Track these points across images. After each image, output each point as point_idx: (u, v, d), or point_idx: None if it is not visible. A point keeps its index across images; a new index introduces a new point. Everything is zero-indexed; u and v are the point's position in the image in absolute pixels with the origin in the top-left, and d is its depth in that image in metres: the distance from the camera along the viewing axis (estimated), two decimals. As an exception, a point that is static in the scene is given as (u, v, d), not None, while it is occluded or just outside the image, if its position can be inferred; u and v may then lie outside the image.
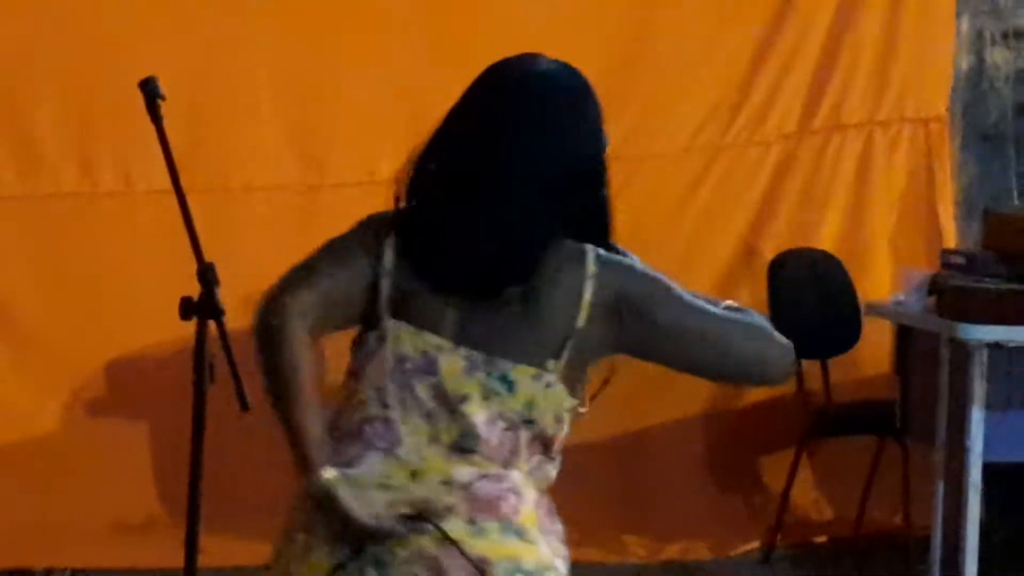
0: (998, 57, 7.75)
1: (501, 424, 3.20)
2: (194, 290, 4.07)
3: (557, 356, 3.20)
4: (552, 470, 3.30)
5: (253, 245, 6.48)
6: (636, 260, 3.32)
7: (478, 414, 3.19)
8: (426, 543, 3.16)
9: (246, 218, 6.84)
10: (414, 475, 3.20)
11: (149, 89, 4.27)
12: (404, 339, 3.24)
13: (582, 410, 3.29)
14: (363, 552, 3.20)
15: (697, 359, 3.39)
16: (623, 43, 7.26)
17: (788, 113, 7.46)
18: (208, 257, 4.07)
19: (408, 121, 6.76)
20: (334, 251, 3.36)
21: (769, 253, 7.11)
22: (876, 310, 6.97)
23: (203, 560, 4.33)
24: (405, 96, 7.02)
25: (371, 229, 3.34)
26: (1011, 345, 6.14)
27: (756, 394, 7.38)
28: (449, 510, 3.17)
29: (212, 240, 4.28)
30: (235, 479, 5.90)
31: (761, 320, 3.37)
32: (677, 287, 3.29)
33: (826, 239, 7.31)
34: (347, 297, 3.31)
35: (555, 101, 3.32)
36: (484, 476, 3.20)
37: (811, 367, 7.09)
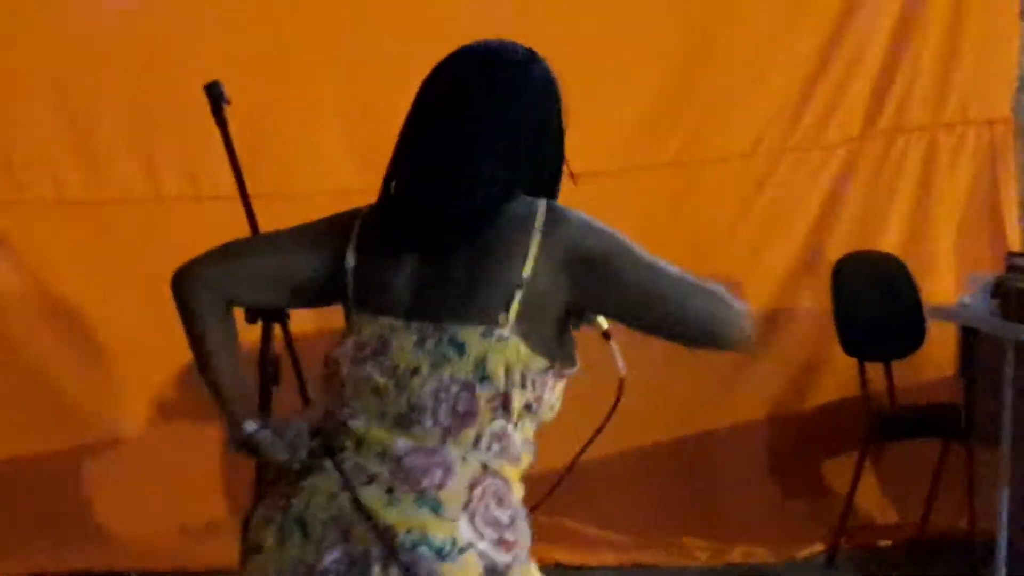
0: None
1: (454, 388, 3.18)
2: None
3: (505, 308, 3.17)
4: (521, 440, 3.24)
5: None
6: (594, 219, 3.30)
7: (426, 386, 3.19)
8: (345, 508, 3.17)
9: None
10: (358, 444, 3.24)
11: (214, 93, 4.41)
12: (364, 328, 3.30)
13: (568, 372, 3.25)
14: (289, 511, 3.24)
15: (653, 318, 3.36)
16: (686, 49, 7.19)
17: (851, 116, 7.39)
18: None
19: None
20: (272, 234, 3.51)
21: (833, 256, 6.97)
22: (940, 313, 6.87)
23: None
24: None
25: (337, 224, 3.42)
26: None
27: (819, 397, 7.36)
28: (372, 479, 3.18)
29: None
30: None
31: (718, 286, 3.31)
32: (634, 245, 3.27)
33: (890, 242, 7.22)
34: (280, 271, 3.43)
35: (496, 74, 3.37)
36: (418, 449, 3.19)
37: (875, 370, 7.04)
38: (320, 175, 6.94)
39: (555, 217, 3.22)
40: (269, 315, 4.31)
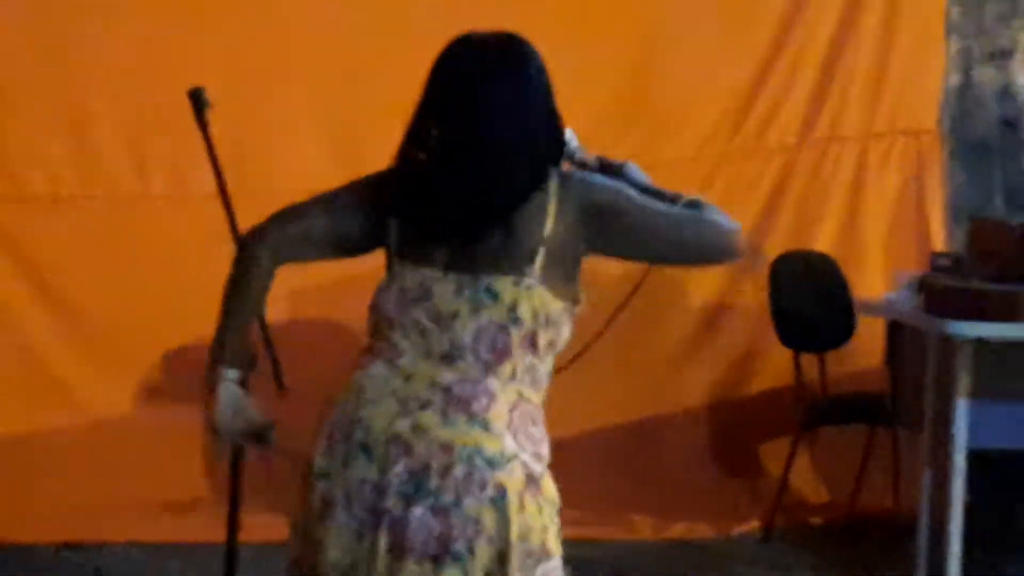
0: (984, 75, 7.76)
1: (491, 330, 3.49)
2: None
3: (531, 262, 3.47)
4: (544, 371, 3.57)
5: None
6: (596, 176, 3.66)
7: (467, 328, 3.49)
8: (405, 430, 3.45)
9: None
10: (408, 379, 3.51)
11: (197, 98, 4.54)
12: (406, 276, 3.57)
13: (578, 309, 3.55)
14: (353, 438, 3.51)
15: (655, 251, 3.76)
16: (636, 59, 7.28)
17: (789, 125, 7.49)
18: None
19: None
20: (324, 202, 3.69)
21: (771, 254, 7.07)
22: (869, 308, 6.98)
23: (243, 536, 4.58)
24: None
25: (372, 188, 3.66)
26: (993, 340, 6.11)
27: (757, 385, 7.46)
28: (426, 405, 3.46)
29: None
30: (273, 461, 5.86)
31: (709, 213, 3.69)
32: (635, 193, 3.61)
33: (823, 242, 7.32)
34: (322, 240, 3.70)
35: (502, 67, 3.59)
36: (463, 380, 3.48)
37: (809, 360, 7.12)
38: (297, 174, 6.86)
39: (565, 182, 3.53)
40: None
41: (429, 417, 3.48)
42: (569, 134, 3.74)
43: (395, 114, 6.86)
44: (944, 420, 6.22)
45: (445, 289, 3.54)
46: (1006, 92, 7.79)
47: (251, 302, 3.74)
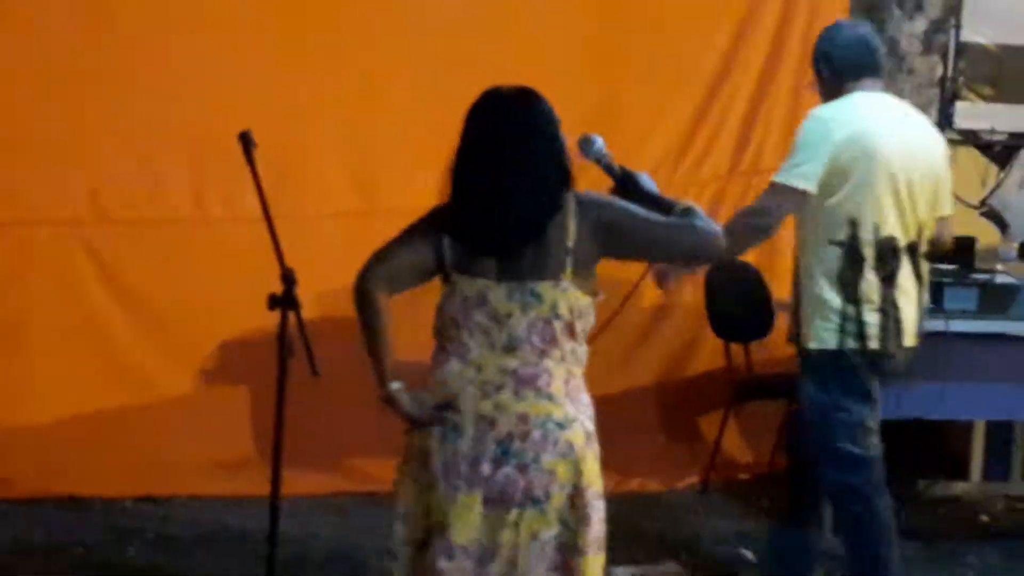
0: None
1: (539, 324, 3.83)
2: (278, 289, 4.57)
3: (564, 269, 3.83)
4: (583, 352, 3.92)
5: (322, 258, 6.53)
6: (606, 196, 4.02)
7: (519, 324, 3.84)
8: (488, 408, 3.83)
9: (317, 238, 6.87)
10: (479, 369, 3.85)
11: (246, 139, 4.70)
12: (465, 286, 3.88)
13: (598, 299, 3.92)
14: (444, 422, 3.87)
15: (654, 254, 4.24)
16: (599, 96, 7.28)
17: (720, 160, 7.65)
18: (289, 265, 4.48)
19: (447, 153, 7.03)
20: (402, 240, 4.00)
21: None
22: (784, 306, 6.84)
23: (283, 490, 4.70)
24: (442, 137, 7.13)
25: (428, 223, 3.98)
26: None
27: (696, 368, 7.63)
28: (500, 387, 3.82)
29: (293, 254, 4.66)
30: (308, 427, 5.98)
31: (699, 221, 4.01)
32: (637, 209, 3.95)
33: (749, 255, 7.26)
34: (411, 268, 3.99)
35: (539, 117, 3.95)
36: (525, 364, 3.83)
37: (737, 349, 7.37)
38: (323, 199, 7.08)
39: (580, 204, 3.86)
40: (286, 304, 4.57)
41: (505, 397, 3.82)
42: (600, 143, 4.09)
43: (404, 150, 7.12)
44: None
45: (499, 294, 3.85)
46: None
47: (380, 328, 3.99)
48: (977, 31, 7.98)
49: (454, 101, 6.87)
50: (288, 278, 4.61)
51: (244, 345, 6.84)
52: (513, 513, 3.81)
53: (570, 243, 3.85)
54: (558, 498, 3.82)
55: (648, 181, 4.12)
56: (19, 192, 6.84)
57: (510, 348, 3.86)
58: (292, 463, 4.87)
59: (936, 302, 6.40)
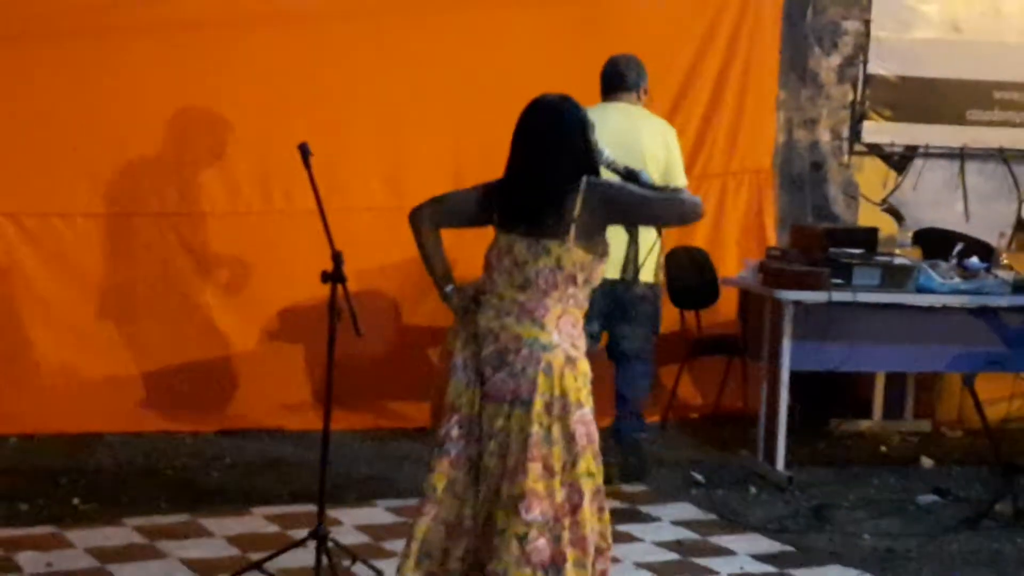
0: (799, 135, 7.91)
1: (546, 271, 3.90)
2: (329, 267, 4.56)
3: (568, 232, 3.90)
4: (581, 294, 3.96)
5: (363, 243, 6.41)
6: (609, 181, 4.04)
7: (532, 269, 3.92)
8: (495, 326, 3.93)
9: (358, 227, 6.66)
10: (500, 298, 3.96)
11: (304, 150, 4.71)
12: (501, 240, 4.00)
13: (605, 258, 3.99)
14: (467, 328, 4.01)
15: (647, 221, 4.82)
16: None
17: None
18: (337, 248, 4.46)
19: (463, 159, 7.01)
20: (462, 193, 4.19)
21: (668, 248, 7.00)
22: (729, 282, 7.12)
23: (333, 425, 4.69)
24: (454, 143, 7.11)
25: (488, 188, 4.08)
26: (805, 302, 6.27)
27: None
28: (510, 312, 3.92)
29: (340, 239, 4.66)
30: (352, 376, 5.96)
31: (682, 195, 4.25)
32: (634, 188, 4.03)
33: (700, 240, 7.41)
34: (458, 215, 4.17)
35: (560, 119, 4.02)
36: (531, 299, 3.91)
37: (690, 315, 7.31)
38: (360, 195, 6.98)
39: (589, 186, 3.93)
40: (335, 278, 4.57)
41: (510, 320, 3.92)
42: (607, 152, 4.10)
43: (426, 155, 7.08)
44: (775, 352, 6.39)
45: (521, 247, 3.94)
46: (814, 146, 7.94)
47: (430, 248, 4.14)
48: (880, 66, 7.96)
49: (466, 116, 7.07)
50: (337, 258, 4.62)
51: (302, 311, 6.80)
52: (505, 408, 3.89)
53: (575, 214, 3.92)
54: (539, 403, 3.86)
55: (646, 176, 4.13)
56: (126, 190, 6.80)
57: (523, 287, 3.95)
58: (339, 405, 4.86)
59: (847, 279, 6.42)
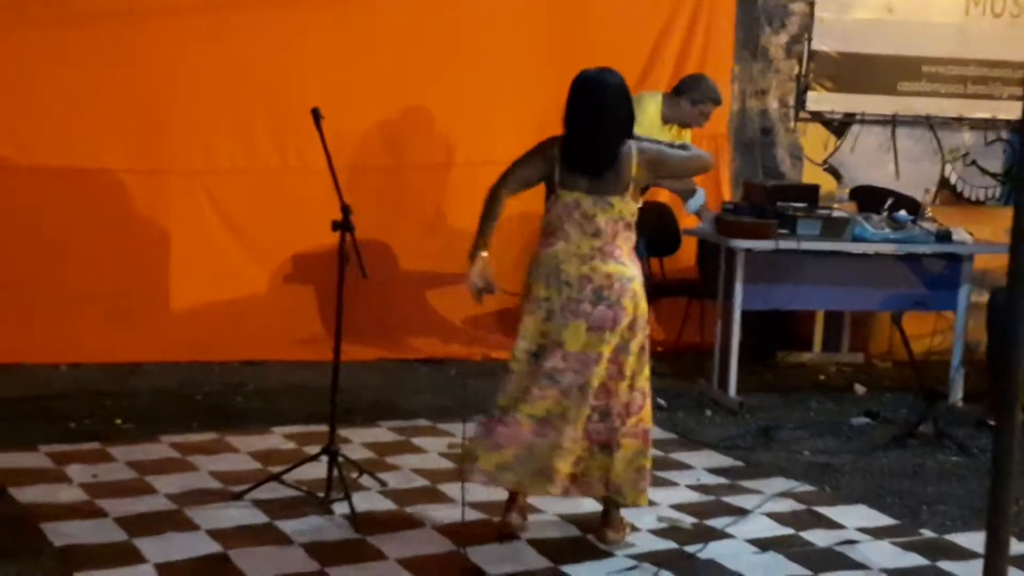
0: (751, 104, 7.86)
1: (611, 221, 4.19)
2: (338, 217, 4.56)
3: (627, 189, 4.21)
4: (633, 236, 4.29)
5: (367, 197, 6.25)
6: (650, 142, 4.36)
7: (600, 220, 4.19)
8: (585, 268, 4.18)
9: (363, 183, 6.64)
10: (578, 247, 4.18)
11: (316, 114, 4.67)
12: (565, 196, 4.21)
13: (639, 205, 4.29)
14: (559, 278, 4.20)
15: (682, 174, 4.87)
16: (547, 101, 6.96)
17: None
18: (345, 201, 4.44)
19: (455, 126, 7.04)
20: (524, 161, 4.29)
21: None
22: (689, 232, 7.08)
23: (343, 356, 4.72)
24: (444, 112, 7.09)
25: (543, 152, 4.26)
26: (755, 250, 6.29)
27: None
28: (593, 257, 4.18)
29: (347, 193, 4.65)
30: (359, 313, 5.91)
31: (700, 152, 4.51)
32: (666, 148, 4.38)
33: (664, 196, 7.22)
34: (531, 177, 4.30)
35: (607, 88, 4.22)
36: (605, 245, 4.19)
37: (655, 262, 7.21)
38: (367, 156, 6.92)
39: (639, 148, 4.21)
40: (344, 227, 4.55)
41: (597, 263, 4.17)
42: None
43: (422, 121, 7.05)
44: (729, 294, 6.39)
45: (589, 203, 4.18)
46: (764, 114, 7.90)
47: (494, 216, 4.26)
48: (823, 43, 7.93)
49: (454, 90, 7.07)
50: (345, 209, 4.62)
51: (314, 257, 6.78)
52: (606, 334, 4.16)
53: (632, 172, 4.18)
54: (625, 322, 4.19)
55: (680, 146, 4.51)
56: (159, 149, 6.77)
57: (596, 235, 4.19)
58: (348, 338, 4.86)
59: (792, 230, 6.42)
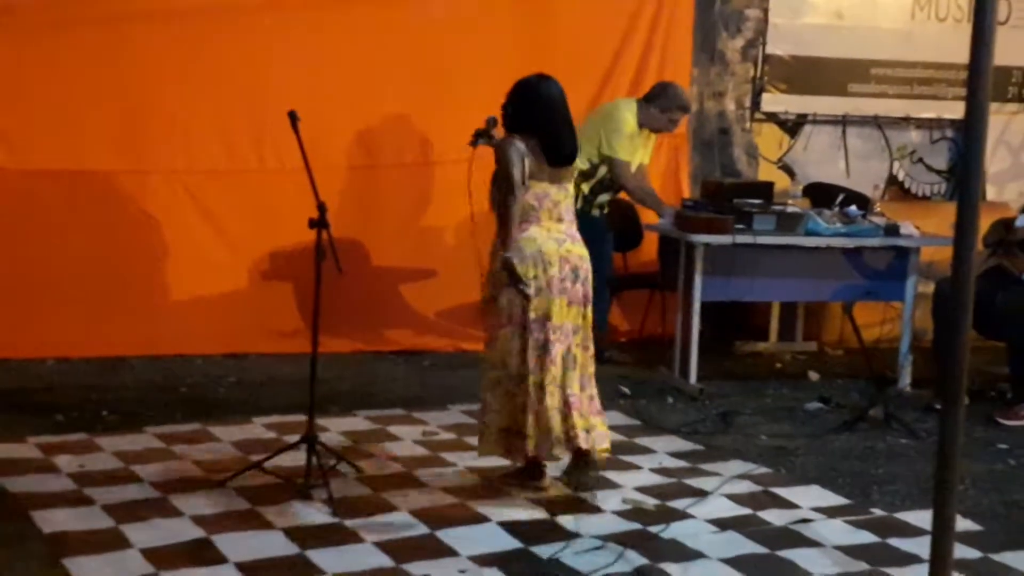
0: (709, 105, 7.89)
1: (568, 208, 4.51)
2: (315, 215, 4.51)
3: (573, 176, 4.56)
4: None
5: (344, 196, 6.59)
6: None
7: (564, 205, 4.49)
8: (563, 252, 4.43)
9: (339, 182, 6.74)
10: (549, 231, 4.44)
11: (292, 117, 4.61)
12: (536, 187, 4.43)
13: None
14: (541, 259, 4.41)
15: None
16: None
17: None
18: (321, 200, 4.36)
19: (424, 126, 7.02)
20: (513, 163, 4.37)
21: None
22: (650, 227, 7.09)
23: (320, 349, 4.67)
24: (421, 114, 7.06)
25: (517, 148, 4.40)
26: (713, 244, 6.27)
27: None
28: (564, 241, 4.46)
29: (322, 192, 4.54)
30: (335, 307, 5.94)
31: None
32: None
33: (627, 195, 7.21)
34: (522, 177, 4.40)
35: (563, 93, 4.49)
36: (569, 227, 4.51)
37: (618, 256, 7.26)
38: (343, 156, 6.92)
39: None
40: (320, 224, 4.49)
41: (569, 245, 4.45)
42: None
43: (396, 123, 7.02)
44: (689, 286, 6.38)
45: (553, 190, 4.44)
46: (722, 115, 7.93)
47: (516, 218, 4.40)
48: (777, 47, 7.97)
49: (425, 93, 7.03)
50: (321, 207, 4.58)
51: (292, 254, 6.77)
52: (581, 308, 4.50)
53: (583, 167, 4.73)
54: (589, 297, 4.55)
55: None
56: (143, 151, 6.74)
57: (559, 219, 4.47)
58: (325, 331, 4.84)
59: (748, 225, 6.43)
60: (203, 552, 3.97)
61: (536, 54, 6.70)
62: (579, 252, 4.50)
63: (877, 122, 8.20)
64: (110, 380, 6.22)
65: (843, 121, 8.12)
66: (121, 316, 6.66)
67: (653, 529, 4.37)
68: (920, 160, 8.37)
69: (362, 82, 6.96)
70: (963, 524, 4.45)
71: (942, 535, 2.47)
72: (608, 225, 6.88)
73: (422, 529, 4.25)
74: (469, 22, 7.10)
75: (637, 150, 6.76)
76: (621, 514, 4.53)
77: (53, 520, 4.19)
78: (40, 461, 4.85)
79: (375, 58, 6.98)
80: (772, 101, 8.01)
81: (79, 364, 6.45)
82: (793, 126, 8.11)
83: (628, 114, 6.60)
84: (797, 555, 4.17)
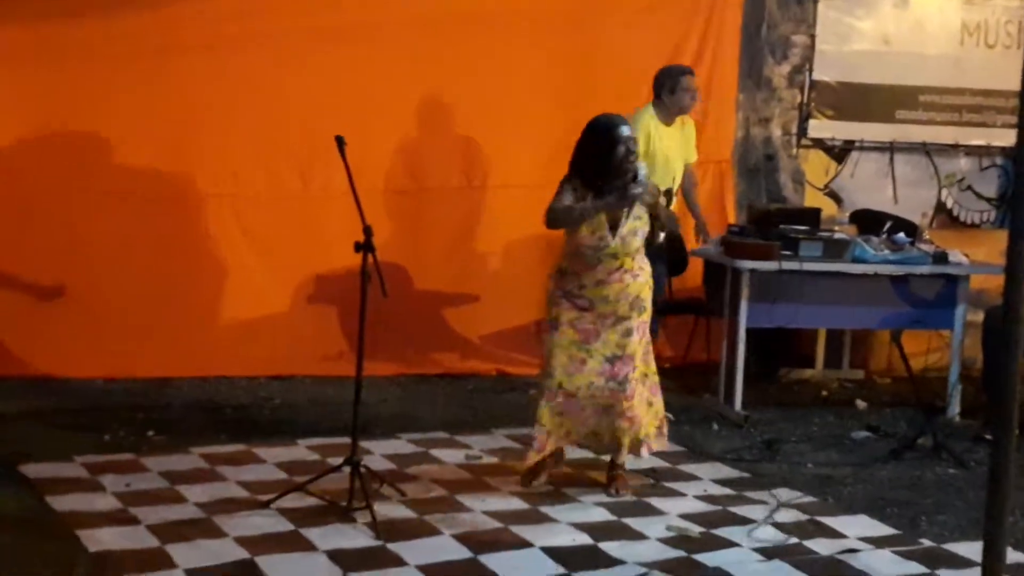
0: (755, 131, 7.85)
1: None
2: (360, 239, 4.54)
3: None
4: None
5: (388, 219, 6.60)
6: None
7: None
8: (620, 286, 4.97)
9: (384, 206, 6.77)
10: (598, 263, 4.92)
11: (340, 141, 4.67)
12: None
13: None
14: (584, 294, 4.90)
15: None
16: (562, 128, 6.72)
17: None
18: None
19: (469, 153, 7.05)
20: (561, 193, 4.81)
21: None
22: (696, 253, 7.04)
23: (364, 372, 4.71)
24: (470, 136, 7.10)
25: (569, 184, 4.82)
26: (759, 270, 6.27)
27: None
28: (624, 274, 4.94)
29: (370, 216, 4.60)
30: (380, 331, 5.92)
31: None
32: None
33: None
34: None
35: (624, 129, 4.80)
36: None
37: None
38: (387, 180, 6.93)
39: None
40: (366, 248, 4.52)
41: (623, 275, 4.94)
42: None
43: (437, 148, 7.06)
44: (734, 312, 6.37)
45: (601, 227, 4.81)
46: (767, 141, 7.88)
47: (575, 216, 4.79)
48: (824, 73, 7.94)
49: (472, 118, 7.06)
50: (367, 231, 4.60)
51: (338, 277, 6.76)
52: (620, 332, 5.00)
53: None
54: None
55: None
56: (192, 175, 6.79)
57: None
58: (369, 354, 4.86)
59: (794, 251, 6.41)
60: (247, 573, 3.99)
61: (583, 81, 6.73)
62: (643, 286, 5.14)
63: (925, 149, 8.13)
64: (157, 400, 6.26)
65: (891, 148, 8.07)
66: (168, 337, 6.71)
67: (697, 557, 4.33)
68: (969, 187, 8.30)
69: (408, 107, 7.01)
70: (1014, 556, 4.39)
71: (993, 567, 2.44)
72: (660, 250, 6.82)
73: (465, 553, 4.24)
74: (517, 50, 7.11)
75: (671, 149, 6.57)
76: (665, 541, 4.51)
77: (99, 539, 4.22)
78: (87, 480, 4.89)
79: (421, 83, 7.01)
80: (819, 127, 7.97)
81: (126, 384, 6.50)
82: (840, 152, 8.06)
83: (648, 119, 6.42)
84: (844, 585, 4.14)
